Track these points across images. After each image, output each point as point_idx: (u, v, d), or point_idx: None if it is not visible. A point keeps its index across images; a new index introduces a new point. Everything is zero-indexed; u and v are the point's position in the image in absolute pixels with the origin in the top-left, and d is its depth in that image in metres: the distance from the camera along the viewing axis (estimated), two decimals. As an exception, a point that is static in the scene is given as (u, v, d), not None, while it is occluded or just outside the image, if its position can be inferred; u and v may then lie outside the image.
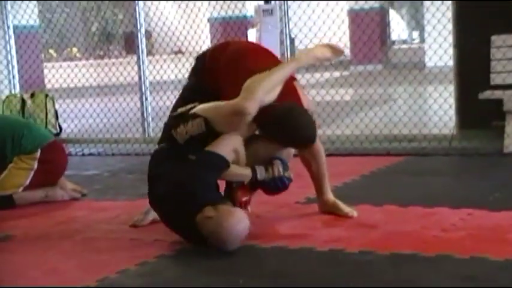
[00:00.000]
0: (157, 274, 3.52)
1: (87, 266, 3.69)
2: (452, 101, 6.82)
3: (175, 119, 3.88)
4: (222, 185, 3.97)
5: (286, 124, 3.80)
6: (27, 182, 5.12)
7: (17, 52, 8.92)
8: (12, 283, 3.53)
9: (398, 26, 22.53)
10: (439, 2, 7.47)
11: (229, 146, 3.76)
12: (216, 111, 3.78)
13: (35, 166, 5.11)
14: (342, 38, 8.48)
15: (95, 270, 3.57)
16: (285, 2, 7.30)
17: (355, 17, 14.87)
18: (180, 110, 3.93)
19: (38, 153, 5.10)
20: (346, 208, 4.29)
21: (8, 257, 3.95)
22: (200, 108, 3.83)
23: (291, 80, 4.10)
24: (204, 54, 4.26)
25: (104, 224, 4.35)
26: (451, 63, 6.88)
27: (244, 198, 3.93)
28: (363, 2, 14.25)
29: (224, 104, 3.79)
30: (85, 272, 3.59)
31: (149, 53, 10.18)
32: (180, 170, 3.73)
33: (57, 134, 8.52)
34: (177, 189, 3.71)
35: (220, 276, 3.39)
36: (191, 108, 3.87)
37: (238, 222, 3.63)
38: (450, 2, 6.83)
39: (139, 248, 3.94)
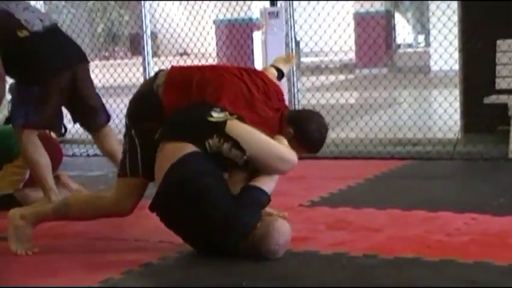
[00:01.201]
0: (161, 276, 3.52)
1: (90, 267, 3.70)
2: (457, 105, 6.82)
3: (209, 126, 3.66)
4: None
5: (323, 127, 3.95)
6: (26, 176, 5.13)
7: (23, 52, 8.91)
8: (15, 283, 3.54)
9: (403, 30, 22.49)
10: (445, 5, 7.47)
11: (273, 184, 3.75)
12: (262, 151, 3.68)
13: None
14: (347, 41, 8.46)
15: (98, 271, 3.58)
16: (291, 4, 7.30)
17: (361, 21, 14.85)
18: (215, 115, 3.68)
19: None
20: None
21: (11, 257, 3.95)
22: (247, 143, 3.66)
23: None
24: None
25: (108, 224, 4.36)
26: (456, 67, 6.88)
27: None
28: (369, 5, 14.25)
29: (276, 147, 3.71)
30: (88, 273, 3.59)
31: (154, 54, 10.20)
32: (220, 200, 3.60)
33: (62, 135, 8.53)
34: (213, 229, 3.60)
35: (224, 278, 3.39)
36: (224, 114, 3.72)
37: (286, 227, 3.64)
38: (456, 6, 6.83)
39: (143, 249, 3.95)
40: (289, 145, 3.79)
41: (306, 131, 3.87)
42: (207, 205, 3.56)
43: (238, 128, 3.67)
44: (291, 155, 3.73)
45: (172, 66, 4.09)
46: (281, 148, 3.73)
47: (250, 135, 3.67)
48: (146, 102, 3.92)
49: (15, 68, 4.67)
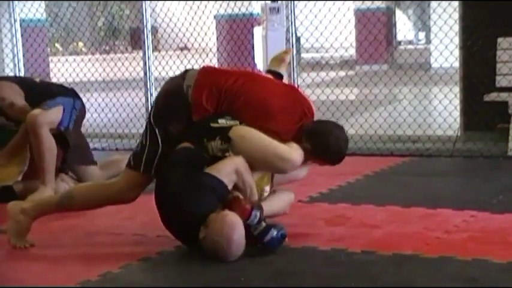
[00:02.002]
0: (159, 270, 3.53)
1: (89, 261, 3.70)
2: (457, 102, 6.81)
3: (214, 130, 3.75)
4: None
5: (342, 140, 3.98)
6: (25, 168, 5.15)
7: (23, 45, 8.93)
8: (14, 276, 3.54)
9: (404, 27, 22.49)
10: (446, 3, 7.46)
11: (231, 167, 3.67)
12: (262, 150, 3.73)
13: (28, 154, 5.13)
14: (348, 37, 8.46)
15: (97, 265, 3.58)
16: (292, 0, 7.29)
17: (362, 17, 14.85)
18: (221, 122, 3.78)
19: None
20: None
21: (10, 250, 3.95)
22: (248, 143, 3.72)
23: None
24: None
25: (107, 218, 4.36)
26: (456, 64, 6.88)
27: (247, 205, 3.66)
28: (370, 2, 14.24)
29: (275, 146, 3.74)
30: (87, 266, 3.59)
31: (155, 48, 10.18)
32: (186, 184, 3.63)
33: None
34: (176, 204, 3.63)
35: (222, 273, 3.39)
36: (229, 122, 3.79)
37: (232, 230, 3.49)
38: (457, 3, 6.82)
39: (142, 243, 3.95)
40: (309, 158, 3.85)
41: (324, 145, 3.89)
42: (167, 192, 3.67)
43: (241, 130, 3.73)
44: (291, 154, 3.74)
45: (204, 67, 4.07)
46: (281, 147, 3.74)
47: (252, 136, 3.72)
48: (175, 103, 3.88)
49: None
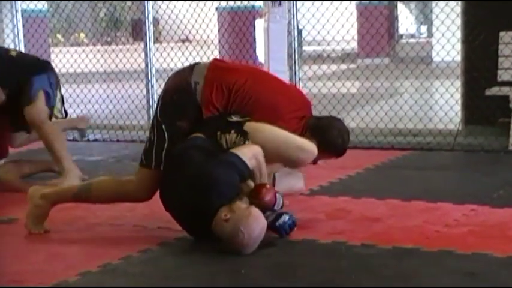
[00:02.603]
0: (159, 261, 3.53)
1: (89, 252, 3.71)
2: (458, 96, 6.81)
3: (228, 124, 3.78)
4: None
5: (344, 132, 4.12)
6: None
7: (24, 36, 8.92)
8: (14, 267, 3.54)
9: (406, 20, 22.46)
10: (448, -4, 7.46)
11: (251, 152, 3.67)
12: (281, 142, 3.78)
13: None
14: (349, 30, 8.44)
15: (97, 256, 3.58)
16: (294, -7, 7.27)
17: (364, 10, 14.83)
18: (235, 117, 3.82)
19: None
20: None
21: (11, 240, 3.96)
22: (266, 136, 3.75)
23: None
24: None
25: (107, 210, 4.36)
26: (458, 58, 6.87)
27: (267, 198, 3.65)
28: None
29: (294, 137, 3.81)
30: (87, 258, 3.60)
31: (156, 40, 10.19)
32: (200, 166, 3.61)
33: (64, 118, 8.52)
34: (192, 188, 3.59)
35: (223, 265, 3.40)
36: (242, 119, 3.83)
37: (257, 224, 3.49)
38: (459, -3, 6.81)
39: (142, 235, 3.96)
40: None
41: (329, 138, 4.02)
42: (189, 167, 3.62)
43: (257, 125, 3.78)
44: (310, 145, 3.83)
45: (214, 62, 4.06)
46: (300, 139, 3.83)
47: (270, 129, 3.78)
48: (182, 100, 3.88)
49: None
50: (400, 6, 20.68)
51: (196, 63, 4.02)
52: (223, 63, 4.17)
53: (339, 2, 7.96)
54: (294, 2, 7.16)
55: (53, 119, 5.46)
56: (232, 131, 3.74)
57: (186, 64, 4.20)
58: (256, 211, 3.53)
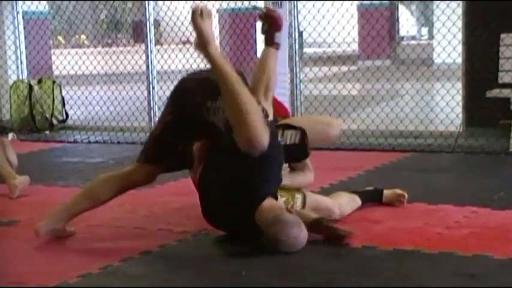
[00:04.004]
0: (160, 263, 3.53)
1: (90, 253, 3.71)
2: (459, 98, 6.81)
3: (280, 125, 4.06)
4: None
5: None
6: None
7: (25, 38, 8.92)
8: (15, 268, 3.54)
9: (407, 22, 22.45)
10: (449, -2, 7.46)
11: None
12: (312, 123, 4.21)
13: None
14: (350, 32, 8.44)
15: (98, 258, 3.58)
16: (295, -5, 7.28)
17: (365, 12, 14.83)
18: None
19: None
20: None
21: (12, 242, 3.96)
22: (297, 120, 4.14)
23: None
24: None
25: (108, 212, 4.36)
26: (459, 60, 6.87)
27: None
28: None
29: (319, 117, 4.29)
30: (88, 259, 3.60)
31: (157, 42, 10.18)
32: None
33: (63, 121, 8.54)
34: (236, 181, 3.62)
35: (223, 267, 3.40)
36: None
37: (302, 230, 3.56)
38: (460, -2, 6.81)
39: (143, 236, 3.95)
40: None
41: None
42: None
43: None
44: (334, 119, 4.31)
45: None
46: (324, 116, 4.21)
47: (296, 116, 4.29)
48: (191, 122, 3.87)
49: None
50: (401, 8, 20.68)
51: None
52: None
53: (340, 3, 7.95)
54: (295, 3, 7.17)
55: None
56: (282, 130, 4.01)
57: (187, 66, 4.21)
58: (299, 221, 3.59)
